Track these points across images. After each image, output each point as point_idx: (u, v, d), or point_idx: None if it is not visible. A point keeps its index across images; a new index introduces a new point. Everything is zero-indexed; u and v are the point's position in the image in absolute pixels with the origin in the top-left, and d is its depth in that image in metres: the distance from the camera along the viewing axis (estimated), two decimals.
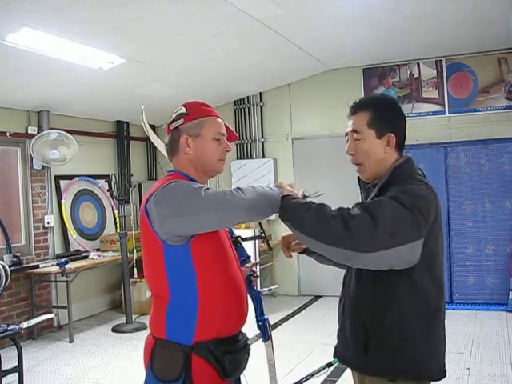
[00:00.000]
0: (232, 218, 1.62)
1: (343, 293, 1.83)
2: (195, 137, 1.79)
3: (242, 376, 1.90)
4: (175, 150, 1.83)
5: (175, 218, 1.62)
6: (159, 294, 1.74)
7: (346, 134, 1.79)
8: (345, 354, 1.74)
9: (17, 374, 3.83)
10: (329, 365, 1.76)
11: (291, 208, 1.61)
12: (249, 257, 2.10)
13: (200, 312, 1.68)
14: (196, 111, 1.82)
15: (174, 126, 1.83)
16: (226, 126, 1.89)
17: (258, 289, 2.21)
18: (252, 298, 2.09)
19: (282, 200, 1.65)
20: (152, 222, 1.67)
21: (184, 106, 1.84)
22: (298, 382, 1.84)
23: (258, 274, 2.17)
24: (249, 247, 5.39)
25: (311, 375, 1.78)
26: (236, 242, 2.03)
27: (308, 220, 1.55)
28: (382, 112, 1.73)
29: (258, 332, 2.19)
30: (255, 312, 2.14)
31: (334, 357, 1.82)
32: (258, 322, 2.14)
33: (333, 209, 1.57)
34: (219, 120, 1.85)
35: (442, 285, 1.70)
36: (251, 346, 1.84)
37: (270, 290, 2.55)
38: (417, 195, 1.59)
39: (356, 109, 1.75)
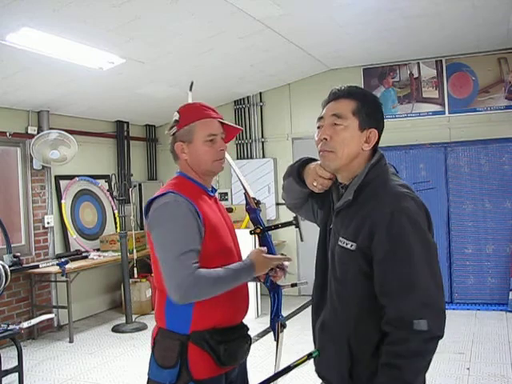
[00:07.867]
0: (183, 297, 1.68)
1: (318, 298, 1.68)
2: (188, 143, 1.85)
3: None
4: (175, 155, 1.90)
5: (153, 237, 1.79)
6: (160, 288, 1.82)
7: (319, 119, 1.64)
8: (329, 377, 1.63)
9: (17, 374, 3.84)
10: (309, 356, 1.66)
11: None
12: (271, 253, 1.97)
13: (196, 304, 1.75)
14: (186, 117, 1.86)
15: (170, 133, 1.89)
16: (223, 122, 1.90)
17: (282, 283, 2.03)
18: (270, 294, 2.02)
19: None
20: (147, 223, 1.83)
21: (178, 111, 1.89)
22: (277, 374, 1.75)
23: (288, 269, 1.98)
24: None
25: (290, 368, 1.70)
26: (259, 233, 1.99)
27: None
28: (369, 104, 1.59)
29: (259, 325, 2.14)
30: (271, 309, 2.03)
31: (318, 375, 1.69)
32: (270, 320, 2.04)
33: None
34: (210, 120, 1.86)
35: None
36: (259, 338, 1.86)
37: (293, 284, 2.18)
38: (421, 224, 1.49)
39: (340, 95, 1.60)
